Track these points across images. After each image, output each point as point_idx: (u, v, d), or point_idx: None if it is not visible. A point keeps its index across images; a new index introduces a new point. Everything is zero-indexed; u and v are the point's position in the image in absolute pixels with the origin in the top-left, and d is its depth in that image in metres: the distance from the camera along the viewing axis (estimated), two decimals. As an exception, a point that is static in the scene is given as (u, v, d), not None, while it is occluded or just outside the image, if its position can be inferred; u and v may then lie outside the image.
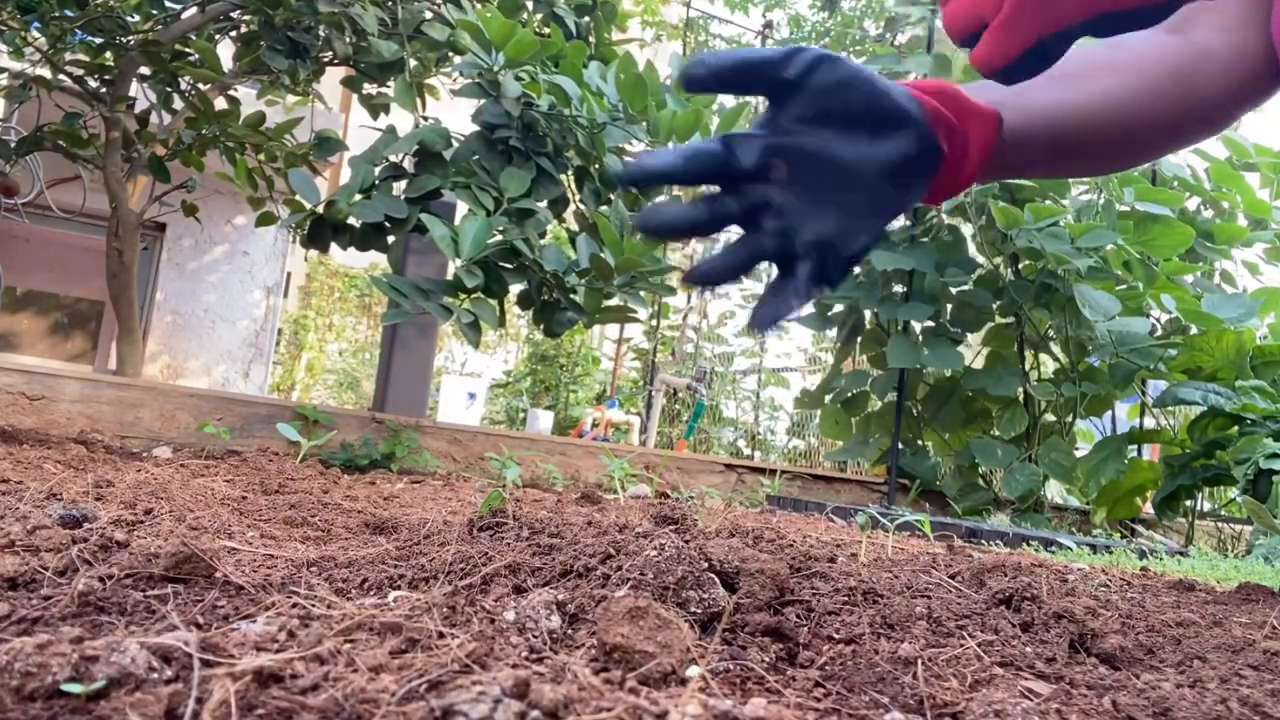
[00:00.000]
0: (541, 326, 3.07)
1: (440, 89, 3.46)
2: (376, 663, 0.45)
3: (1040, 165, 0.81)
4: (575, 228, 3.25)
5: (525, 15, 3.23)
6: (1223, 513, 3.76)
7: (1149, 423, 3.89)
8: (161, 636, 0.46)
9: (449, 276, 2.80)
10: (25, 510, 1.03)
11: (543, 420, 7.94)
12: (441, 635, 0.49)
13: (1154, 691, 0.62)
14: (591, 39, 3.41)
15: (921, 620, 0.78)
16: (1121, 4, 0.63)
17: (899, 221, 3.69)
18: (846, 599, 0.83)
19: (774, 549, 1.20)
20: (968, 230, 3.77)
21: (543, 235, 2.93)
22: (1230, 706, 0.59)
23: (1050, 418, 3.78)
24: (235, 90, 3.63)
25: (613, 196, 3.03)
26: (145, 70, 3.35)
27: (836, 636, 0.72)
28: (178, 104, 3.51)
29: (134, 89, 3.41)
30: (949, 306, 3.73)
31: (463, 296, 2.69)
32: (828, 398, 4.23)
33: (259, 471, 1.97)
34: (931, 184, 0.68)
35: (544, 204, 2.94)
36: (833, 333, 4.29)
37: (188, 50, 3.38)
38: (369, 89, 3.48)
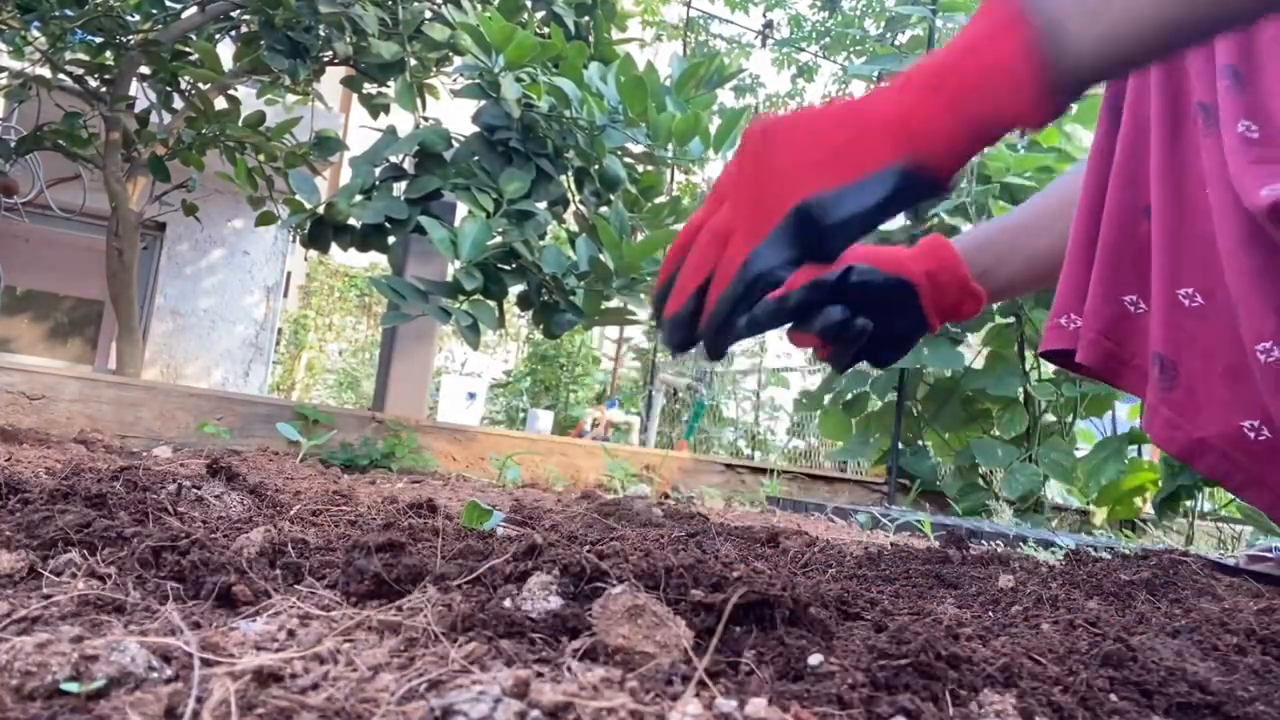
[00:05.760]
0: (541, 327, 3.07)
1: (440, 89, 3.47)
2: (376, 662, 0.45)
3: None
4: (575, 228, 3.25)
5: (525, 15, 3.23)
6: (1223, 513, 3.76)
7: (1149, 423, 3.88)
8: (161, 636, 0.46)
9: (449, 277, 2.80)
10: (25, 510, 1.03)
11: (543, 420, 7.93)
12: (440, 635, 0.49)
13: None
14: (591, 39, 3.41)
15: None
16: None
17: (899, 221, 3.70)
18: (846, 599, 0.83)
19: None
20: (967, 230, 3.76)
21: (542, 236, 2.93)
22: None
23: (1050, 418, 3.78)
24: (235, 90, 3.63)
25: (612, 197, 3.03)
26: (145, 70, 3.35)
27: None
28: (178, 104, 3.51)
29: (134, 89, 3.41)
30: (949, 307, 3.73)
31: (462, 298, 2.69)
32: (827, 398, 4.23)
33: (259, 471, 1.97)
34: (928, 326, 1.03)
35: (544, 205, 2.94)
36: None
37: (188, 50, 3.38)
38: (369, 89, 3.48)
